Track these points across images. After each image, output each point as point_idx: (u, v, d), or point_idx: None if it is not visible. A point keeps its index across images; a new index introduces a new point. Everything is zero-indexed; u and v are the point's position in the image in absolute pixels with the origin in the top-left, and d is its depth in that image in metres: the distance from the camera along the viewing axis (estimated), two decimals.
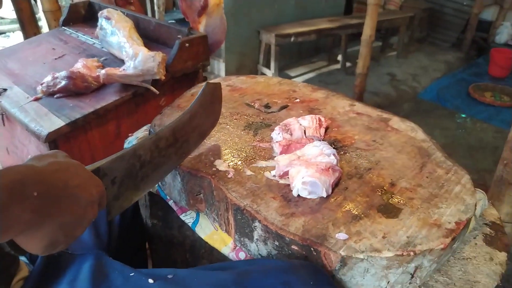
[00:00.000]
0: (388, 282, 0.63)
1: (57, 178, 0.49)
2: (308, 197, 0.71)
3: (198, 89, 1.11)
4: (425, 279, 0.67)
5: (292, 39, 3.51)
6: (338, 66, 4.19)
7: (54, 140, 1.17)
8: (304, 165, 0.73)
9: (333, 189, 0.73)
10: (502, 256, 0.74)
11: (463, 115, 3.38)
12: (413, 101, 3.60)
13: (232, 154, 0.83)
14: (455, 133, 3.11)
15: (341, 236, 0.63)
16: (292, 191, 0.72)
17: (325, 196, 0.71)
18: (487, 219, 0.83)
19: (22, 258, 0.74)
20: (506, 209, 1.01)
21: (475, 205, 0.71)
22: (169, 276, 0.60)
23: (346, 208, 0.69)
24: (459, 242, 0.71)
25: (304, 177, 0.70)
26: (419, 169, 0.79)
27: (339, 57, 4.19)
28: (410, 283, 0.65)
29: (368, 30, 2.65)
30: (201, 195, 0.80)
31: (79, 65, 1.33)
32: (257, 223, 0.68)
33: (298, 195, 0.71)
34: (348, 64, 4.15)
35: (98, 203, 0.55)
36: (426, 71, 4.22)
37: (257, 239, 0.69)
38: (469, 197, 0.72)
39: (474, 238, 0.77)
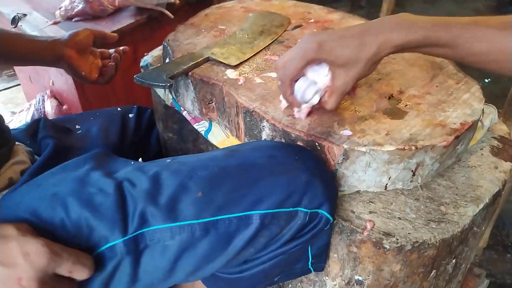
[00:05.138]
0: (389, 178, 0.66)
1: None
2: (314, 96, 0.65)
3: (213, 10, 1.11)
4: (427, 179, 0.69)
5: None
6: (362, 12, 4.05)
7: None
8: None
9: None
10: (507, 165, 0.75)
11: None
12: None
13: (243, 65, 0.84)
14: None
15: (346, 132, 0.65)
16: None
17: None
18: (496, 133, 0.83)
19: (21, 145, 0.76)
20: None
21: (482, 110, 0.71)
22: (168, 161, 0.64)
23: (352, 111, 0.70)
24: (463, 146, 0.72)
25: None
26: (429, 79, 0.79)
27: (363, 3, 4.04)
28: (411, 181, 0.67)
29: None
30: (213, 103, 0.82)
31: None
32: (265, 123, 0.70)
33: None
34: (372, 10, 4.00)
35: None
36: None
37: (265, 138, 0.72)
38: (477, 103, 0.72)
39: (481, 149, 0.78)
